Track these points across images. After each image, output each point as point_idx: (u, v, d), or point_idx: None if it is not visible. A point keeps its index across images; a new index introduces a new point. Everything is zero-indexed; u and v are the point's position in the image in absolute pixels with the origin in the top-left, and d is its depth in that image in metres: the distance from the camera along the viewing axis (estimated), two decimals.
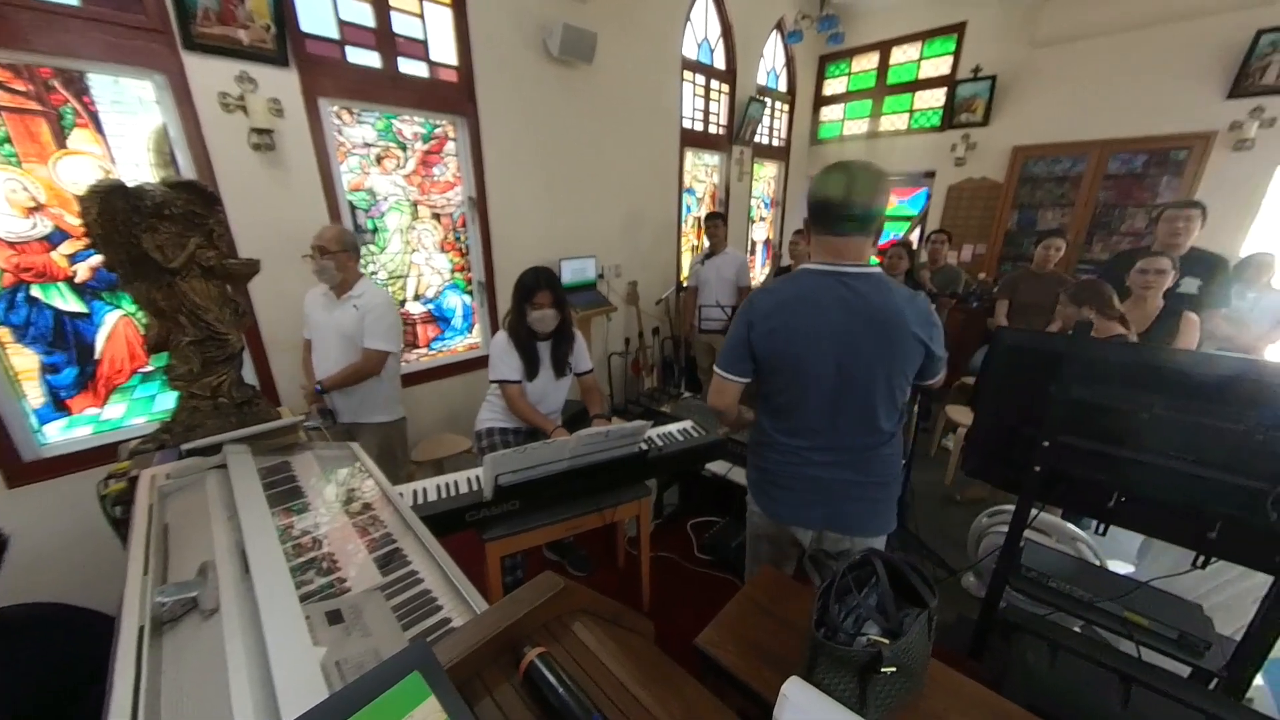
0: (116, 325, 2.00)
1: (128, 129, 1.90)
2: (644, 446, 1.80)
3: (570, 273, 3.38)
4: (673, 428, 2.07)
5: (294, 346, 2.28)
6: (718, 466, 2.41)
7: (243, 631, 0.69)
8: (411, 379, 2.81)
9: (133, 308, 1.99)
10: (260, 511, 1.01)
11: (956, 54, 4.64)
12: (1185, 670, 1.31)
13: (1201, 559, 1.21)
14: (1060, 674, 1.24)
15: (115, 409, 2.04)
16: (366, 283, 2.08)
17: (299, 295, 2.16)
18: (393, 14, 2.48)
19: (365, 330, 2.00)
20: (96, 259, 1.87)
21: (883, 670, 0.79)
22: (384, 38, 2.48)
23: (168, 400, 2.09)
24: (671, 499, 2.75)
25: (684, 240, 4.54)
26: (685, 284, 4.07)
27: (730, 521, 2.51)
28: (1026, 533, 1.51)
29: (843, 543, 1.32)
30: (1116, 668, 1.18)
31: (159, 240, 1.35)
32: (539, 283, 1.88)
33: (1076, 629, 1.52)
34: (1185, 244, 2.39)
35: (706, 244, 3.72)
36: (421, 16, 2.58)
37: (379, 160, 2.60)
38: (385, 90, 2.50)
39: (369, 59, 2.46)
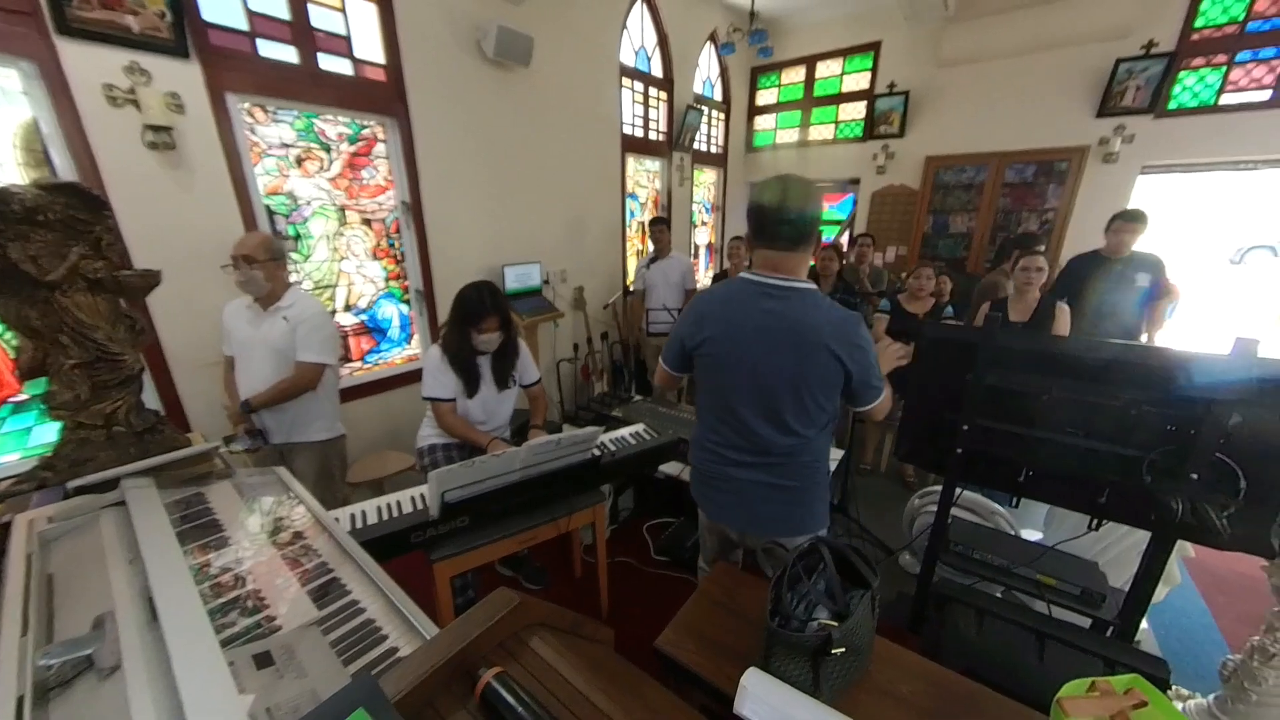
0: None
1: None
2: (597, 452, 1.78)
3: (514, 279, 3.31)
4: (625, 432, 2.07)
5: (206, 365, 2.07)
6: (670, 468, 2.43)
7: (151, 687, 0.61)
8: (346, 394, 2.62)
9: None
10: (169, 551, 0.90)
11: (874, 70, 5.01)
12: (1087, 621, 1.48)
13: (1095, 521, 1.38)
14: (987, 637, 1.35)
15: None
16: (297, 292, 1.92)
17: (210, 308, 1.96)
18: (310, 6, 2.32)
19: (298, 342, 1.84)
20: None
21: (833, 652, 0.83)
22: (301, 31, 2.32)
23: (48, 432, 1.83)
24: (626, 503, 2.74)
25: (629, 245, 4.58)
26: (632, 288, 4.10)
27: (685, 521, 2.54)
28: (953, 511, 1.64)
29: (761, 541, 1.38)
30: (1032, 626, 1.31)
31: (32, 250, 1.18)
32: (484, 306, 1.77)
33: (999, 594, 1.67)
34: (1128, 249, 2.81)
35: (651, 248, 3.76)
36: (343, 11, 2.44)
37: (299, 162, 2.42)
38: (304, 87, 2.34)
39: (284, 53, 2.29)
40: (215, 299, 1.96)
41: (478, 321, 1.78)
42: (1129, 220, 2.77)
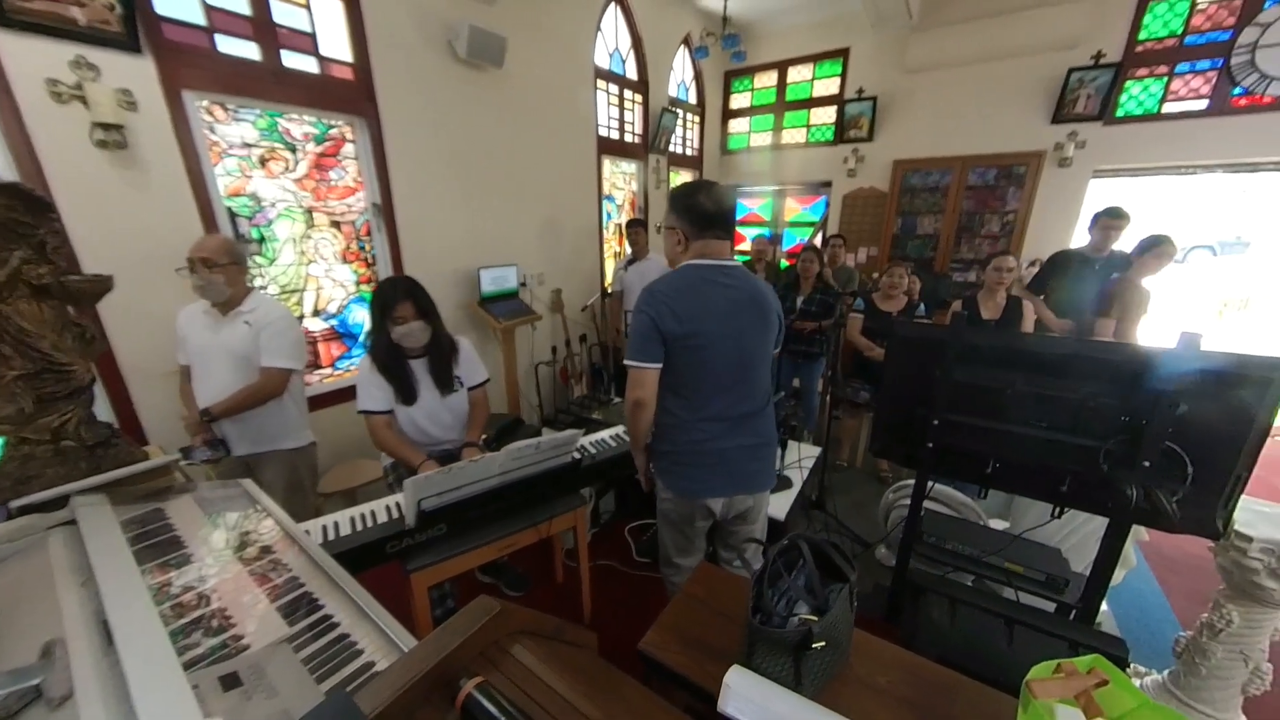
0: None
1: None
2: (577, 455, 1.77)
3: (490, 281, 3.26)
4: (605, 434, 2.06)
5: (163, 375, 1.98)
6: None
7: (107, 715, 0.58)
8: (316, 402, 2.55)
9: None
10: (125, 570, 0.85)
11: (843, 76, 5.14)
12: (1052, 606, 1.54)
13: (1057, 510, 1.44)
14: (959, 625, 1.40)
15: None
16: (259, 296, 1.85)
17: (167, 315, 1.87)
18: (272, 2, 2.25)
19: (263, 347, 1.76)
20: None
21: (813, 646, 0.85)
22: (262, 27, 2.24)
23: None
24: (608, 505, 2.74)
25: (606, 247, 4.57)
26: (610, 290, 4.09)
27: None
28: (926, 503, 1.69)
29: (746, 501, 1.49)
30: (1001, 612, 1.36)
31: None
32: (397, 293, 1.66)
33: (970, 583, 1.73)
34: (1111, 246, 2.89)
35: (629, 250, 3.77)
36: (308, 7, 2.37)
37: (263, 162, 2.33)
38: (266, 86, 2.26)
39: (245, 50, 2.21)
40: (173, 305, 1.87)
41: (390, 310, 1.66)
42: (1114, 217, 2.85)
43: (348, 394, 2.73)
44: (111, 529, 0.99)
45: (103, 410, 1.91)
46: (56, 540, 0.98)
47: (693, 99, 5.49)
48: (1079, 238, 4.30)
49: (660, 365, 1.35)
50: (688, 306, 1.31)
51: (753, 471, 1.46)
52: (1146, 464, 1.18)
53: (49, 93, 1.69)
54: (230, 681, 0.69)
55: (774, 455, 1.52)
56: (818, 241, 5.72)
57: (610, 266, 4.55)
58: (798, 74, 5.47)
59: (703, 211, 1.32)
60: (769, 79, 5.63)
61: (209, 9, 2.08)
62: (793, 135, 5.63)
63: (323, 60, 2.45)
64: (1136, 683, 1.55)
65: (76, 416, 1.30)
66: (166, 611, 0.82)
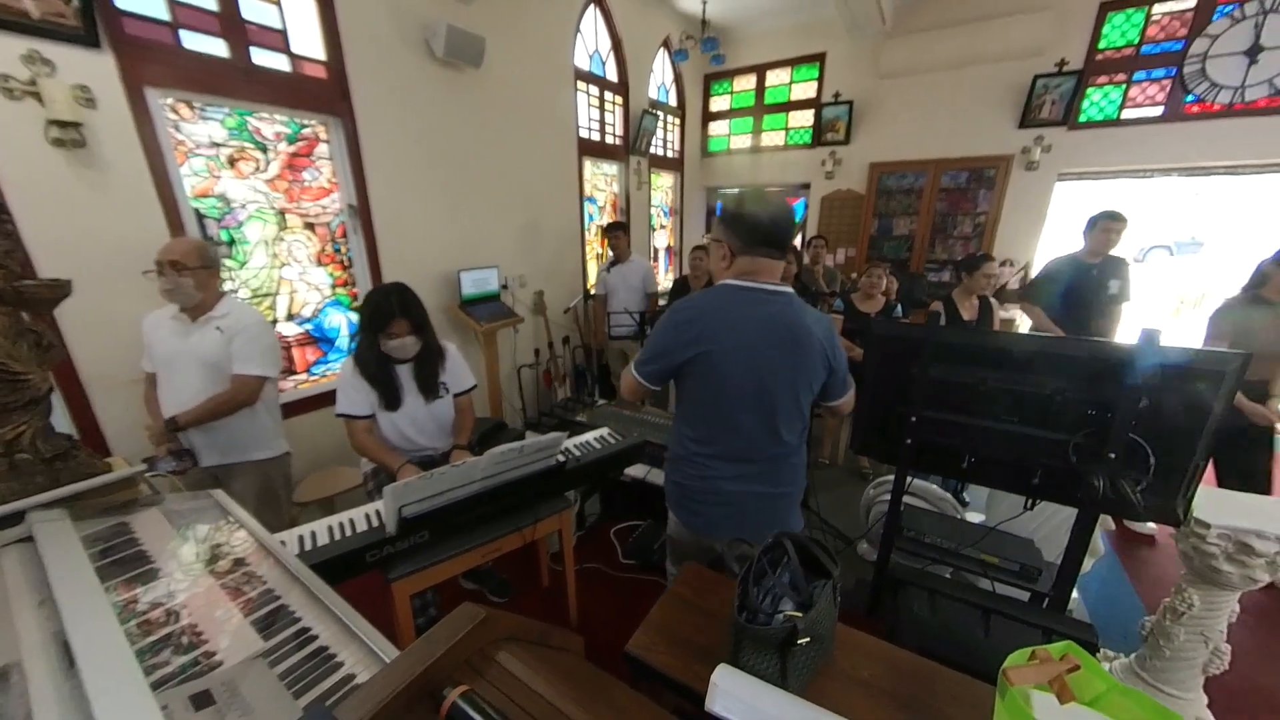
0: None
1: None
2: (561, 458, 1.76)
3: (471, 284, 3.22)
4: (589, 436, 2.05)
5: (126, 383, 1.90)
6: (636, 470, 2.43)
7: None
8: (292, 408, 2.48)
9: None
10: (88, 588, 0.82)
11: (820, 80, 5.24)
12: (1026, 595, 1.59)
13: (1030, 502, 1.48)
14: (939, 617, 1.43)
15: None
16: (231, 301, 1.78)
17: (130, 321, 1.80)
18: None
19: (235, 354, 1.70)
20: None
21: (799, 642, 0.85)
22: (230, 23, 2.17)
23: None
24: (593, 508, 2.73)
25: (589, 249, 4.56)
26: (593, 292, 4.08)
27: (652, 524, 2.55)
28: (905, 498, 1.73)
29: (752, 550, 1.40)
30: (978, 603, 1.39)
31: None
32: (392, 310, 1.64)
33: (948, 575, 1.77)
34: (1110, 249, 2.80)
35: (610, 253, 3.77)
36: (278, 4, 2.31)
37: (232, 163, 2.26)
38: (235, 84, 2.19)
39: (212, 46, 2.14)
40: (136, 310, 1.80)
41: (385, 326, 1.64)
42: (1114, 219, 2.77)
43: (324, 400, 2.67)
44: (72, 545, 0.94)
45: (62, 421, 1.83)
46: (11, 559, 0.93)
47: (673, 101, 5.53)
48: (1046, 239, 4.46)
49: (654, 387, 1.29)
50: (714, 329, 1.19)
51: (763, 523, 1.26)
52: (1112, 456, 1.23)
53: (0, 89, 1.61)
54: (202, 700, 0.66)
55: (790, 505, 1.36)
56: (796, 243, 5.81)
57: (593, 268, 4.55)
58: (776, 78, 5.55)
59: (753, 222, 1.17)
60: (748, 82, 5.70)
61: (174, 4, 2.01)
62: (771, 138, 5.71)
63: (295, 58, 2.39)
64: (1106, 666, 1.61)
65: (32, 428, 1.23)
66: (133, 629, 0.79)
